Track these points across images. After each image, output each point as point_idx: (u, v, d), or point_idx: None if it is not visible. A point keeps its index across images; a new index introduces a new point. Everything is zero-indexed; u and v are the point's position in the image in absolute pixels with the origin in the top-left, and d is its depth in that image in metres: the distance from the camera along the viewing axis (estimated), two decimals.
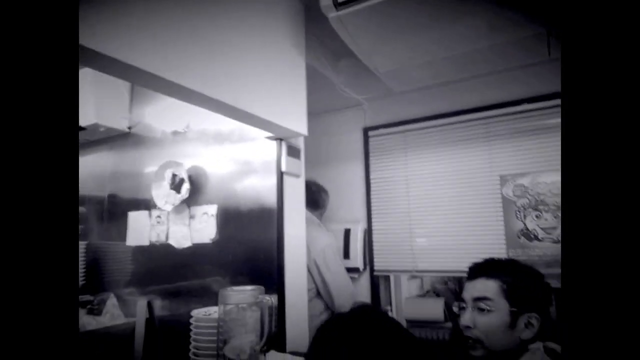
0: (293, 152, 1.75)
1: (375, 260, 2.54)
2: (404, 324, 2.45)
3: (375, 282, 2.54)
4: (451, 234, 2.34)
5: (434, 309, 2.29)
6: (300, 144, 1.82)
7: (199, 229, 1.88)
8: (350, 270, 2.47)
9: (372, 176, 2.64)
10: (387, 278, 2.61)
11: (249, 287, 1.30)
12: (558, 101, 2.11)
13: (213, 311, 1.55)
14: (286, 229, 1.69)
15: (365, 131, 2.69)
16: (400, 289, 2.65)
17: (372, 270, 2.54)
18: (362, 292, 2.53)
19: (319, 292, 2.07)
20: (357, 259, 2.43)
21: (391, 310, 2.45)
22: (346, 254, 2.46)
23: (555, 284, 2.03)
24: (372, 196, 2.62)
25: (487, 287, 1.08)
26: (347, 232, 2.50)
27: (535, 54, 1.71)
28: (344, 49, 1.75)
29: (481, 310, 1.06)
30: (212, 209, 1.85)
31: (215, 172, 1.91)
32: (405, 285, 2.78)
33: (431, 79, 1.99)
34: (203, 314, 1.54)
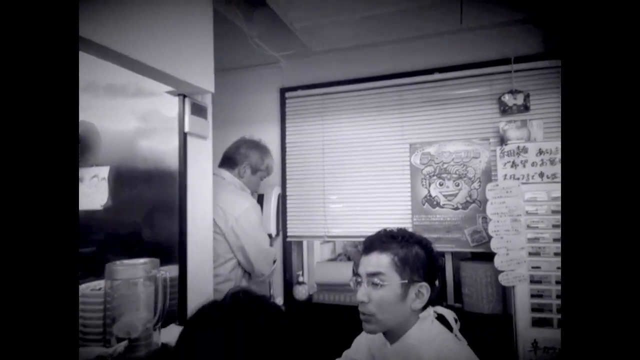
0: (198, 110, 1.59)
1: (288, 225, 2.51)
2: (315, 287, 2.49)
3: (287, 248, 2.52)
4: (362, 199, 2.39)
5: (344, 272, 2.35)
6: (207, 101, 1.66)
7: (87, 193, 1.66)
8: None
9: (288, 140, 2.56)
10: (299, 243, 2.61)
11: (140, 260, 1.17)
12: (466, 72, 2.20)
13: (102, 285, 1.39)
14: (190, 195, 1.55)
15: (282, 92, 2.57)
16: (312, 253, 2.68)
17: (285, 236, 2.51)
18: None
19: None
20: (270, 225, 2.37)
21: (302, 275, 2.46)
22: None
23: (452, 247, 2.22)
24: (287, 161, 2.55)
25: (380, 261, 1.09)
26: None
27: (448, 21, 1.72)
28: None
29: (375, 284, 1.07)
30: (104, 172, 1.63)
31: (107, 129, 1.67)
32: (318, 250, 2.82)
33: (349, 40, 1.93)
34: (91, 289, 1.37)
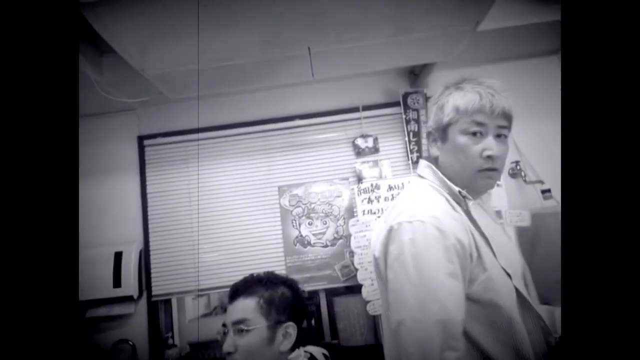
0: None
1: (153, 283, 2.29)
2: (188, 348, 2.28)
3: (154, 309, 2.28)
4: (235, 246, 2.32)
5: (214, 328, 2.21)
6: None
7: None
8: (122, 300, 2.14)
9: (149, 190, 2.38)
10: (168, 302, 2.38)
11: None
12: (323, 119, 2.39)
13: None
14: None
15: (141, 140, 2.42)
16: (184, 311, 2.47)
17: (150, 295, 2.27)
18: (139, 322, 2.23)
19: None
20: (130, 285, 2.12)
21: (172, 337, 2.24)
22: (117, 282, 2.12)
23: (324, 284, 2.28)
24: (149, 212, 2.36)
25: (245, 307, 1.07)
26: (117, 256, 2.17)
27: (300, 74, 1.86)
28: (107, 43, 1.51)
29: (240, 331, 1.04)
30: None
31: None
32: (190, 306, 2.62)
33: (208, 88, 1.93)
34: None
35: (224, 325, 1.10)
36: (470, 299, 0.81)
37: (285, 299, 1.12)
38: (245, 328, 1.04)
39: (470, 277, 0.82)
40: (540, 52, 2.27)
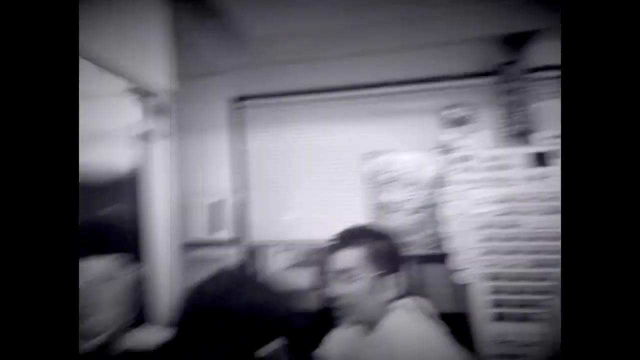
0: (157, 109, 1.53)
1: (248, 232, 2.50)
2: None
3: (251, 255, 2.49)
4: (319, 206, 2.43)
5: (301, 279, 2.34)
6: (166, 101, 1.59)
7: None
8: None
9: (249, 147, 2.57)
10: (253, 252, 2.56)
11: (105, 258, 1.07)
12: (413, 87, 2.33)
13: None
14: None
15: (241, 100, 2.57)
16: (269, 261, 2.63)
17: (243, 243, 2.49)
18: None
19: None
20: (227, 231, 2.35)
21: None
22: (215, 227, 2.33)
23: (409, 252, 2.27)
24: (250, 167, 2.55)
25: (351, 256, 1.08)
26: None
27: (391, 40, 1.79)
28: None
29: (346, 280, 1.06)
30: None
31: None
32: (276, 257, 2.76)
33: (303, 52, 1.93)
34: None
35: (327, 272, 1.13)
36: None
37: (388, 250, 1.14)
38: (352, 277, 1.06)
39: None
40: None
